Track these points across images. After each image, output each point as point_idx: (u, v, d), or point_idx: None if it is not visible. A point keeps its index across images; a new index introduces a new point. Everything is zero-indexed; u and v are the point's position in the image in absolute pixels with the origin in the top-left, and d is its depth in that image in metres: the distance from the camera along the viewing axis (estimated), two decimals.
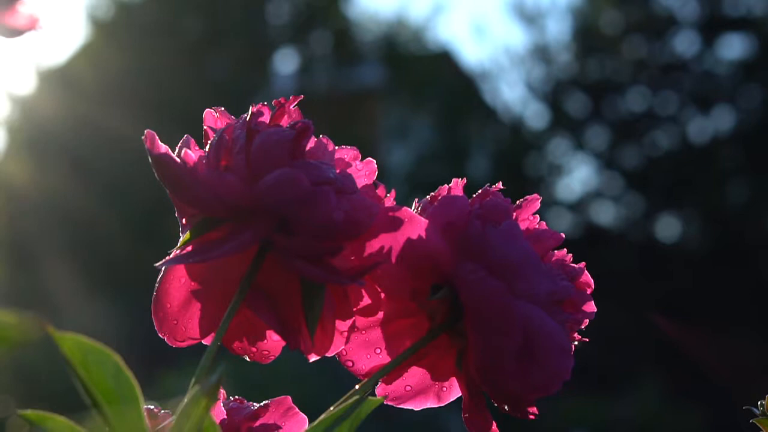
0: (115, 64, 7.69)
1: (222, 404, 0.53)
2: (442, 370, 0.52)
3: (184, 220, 0.50)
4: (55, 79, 7.72)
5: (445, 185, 0.51)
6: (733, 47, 8.76)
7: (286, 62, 9.46)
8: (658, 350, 6.97)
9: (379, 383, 0.52)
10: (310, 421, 0.48)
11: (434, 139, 8.99)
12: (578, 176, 11.05)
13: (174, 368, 3.94)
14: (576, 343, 0.50)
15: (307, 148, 0.49)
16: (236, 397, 0.55)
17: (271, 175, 0.46)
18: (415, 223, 0.49)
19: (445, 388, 0.53)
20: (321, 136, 0.51)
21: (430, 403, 0.54)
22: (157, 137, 0.48)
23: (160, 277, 0.50)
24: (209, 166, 0.48)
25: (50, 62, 8.47)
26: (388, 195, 0.50)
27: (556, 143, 9.07)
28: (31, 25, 0.70)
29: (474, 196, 0.51)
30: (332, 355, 0.52)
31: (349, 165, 0.51)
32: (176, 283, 0.50)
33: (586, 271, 0.51)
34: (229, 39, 8.34)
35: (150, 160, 0.48)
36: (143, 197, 6.80)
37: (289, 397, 0.54)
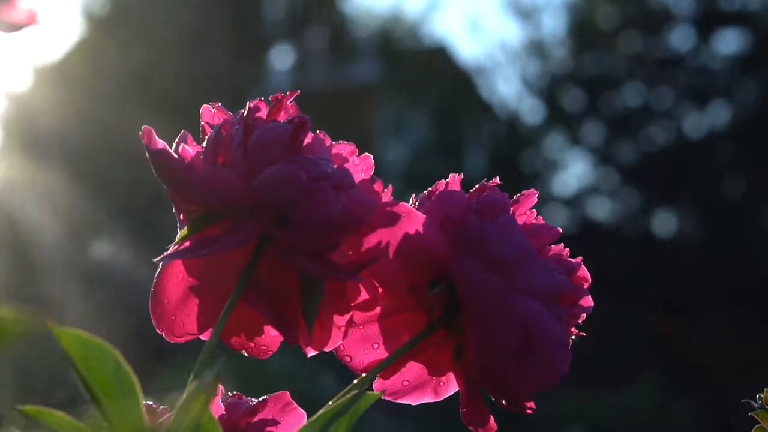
0: (111, 59, 7.68)
1: (220, 400, 0.53)
2: (439, 364, 0.52)
3: (181, 216, 0.50)
4: (51, 76, 7.71)
5: (442, 180, 0.51)
6: (729, 42, 8.77)
7: (281, 58, 9.46)
8: (656, 345, 6.98)
9: (377, 378, 0.52)
10: (309, 416, 0.48)
11: (430, 135, 8.98)
12: (574, 171, 11.05)
13: (171, 364, 3.94)
14: (573, 337, 0.50)
15: (305, 143, 0.49)
16: (234, 392, 0.55)
17: (269, 170, 0.46)
18: (412, 217, 0.49)
19: (442, 383, 0.53)
20: (318, 131, 0.51)
21: (428, 398, 0.54)
22: (154, 133, 0.48)
23: (157, 272, 0.50)
24: (207, 162, 0.48)
25: (46, 58, 8.46)
26: (386, 190, 0.50)
27: (552, 138, 9.07)
28: (30, 20, 0.70)
29: (471, 191, 0.51)
30: (330, 350, 0.52)
31: (346, 160, 0.51)
32: (174, 278, 0.50)
33: (583, 266, 0.51)
34: (225, 35, 8.34)
35: (147, 155, 0.49)
36: (140, 193, 6.80)
37: (288, 393, 0.54)
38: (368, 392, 0.46)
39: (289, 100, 0.51)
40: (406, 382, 0.53)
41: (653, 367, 6.55)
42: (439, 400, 0.54)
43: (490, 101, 9.41)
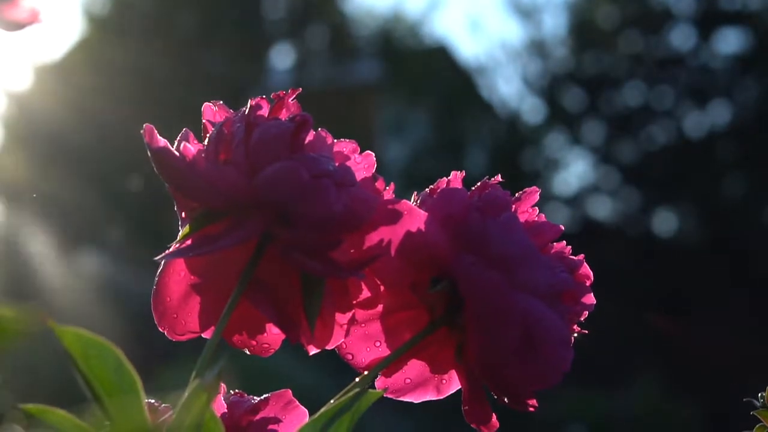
0: (111, 59, 7.68)
1: (222, 398, 0.53)
2: (441, 362, 0.52)
3: (183, 214, 0.50)
4: (52, 75, 7.71)
5: (444, 178, 0.51)
6: (729, 41, 8.77)
7: (282, 57, 9.46)
8: (656, 344, 6.97)
9: (379, 376, 0.52)
10: (310, 414, 0.48)
11: (431, 134, 8.99)
12: (575, 171, 11.05)
13: (173, 362, 3.94)
14: (575, 335, 0.50)
15: (306, 141, 0.49)
16: (236, 390, 0.55)
17: (271, 167, 0.46)
18: (414, 215, 0.49)
19: (444, 381, 0.53)
20: (319, 129, 0.51)
21: (430, 396, 0.54)
22: (156, 131, 0.48)
23: (159, 271, 0.50)
24: (208, 160, 0.48)
25: (47, 58, 8.46)
26: (387, 188, 0.50)
27: (553, 138, 9.08)
28: (33, 19, 0.70)
29: (473, 188, 0.51)
30: (332, 348, 0.52)
31: (348, 158, 0.51)
32: (176, 276, 0.50)
33: (585, 263, 0.51)
34: (226, 34, 8.34)
35: (149, 154, 0.48)
36: (141, 191, 6.80)
37: (290, 391, 0.54)
38: (370, 390, 0.46)
39: (291, 98, 0.50)
40: (408, 380, 0.53)
41: (653, 367, 6.56)
42: (441, 397, 0.54)
43: (490, 101, 9.41)
